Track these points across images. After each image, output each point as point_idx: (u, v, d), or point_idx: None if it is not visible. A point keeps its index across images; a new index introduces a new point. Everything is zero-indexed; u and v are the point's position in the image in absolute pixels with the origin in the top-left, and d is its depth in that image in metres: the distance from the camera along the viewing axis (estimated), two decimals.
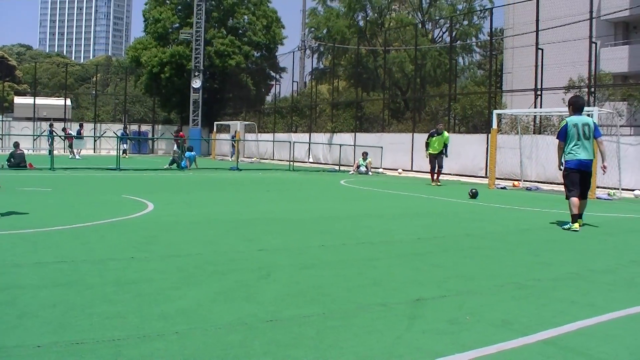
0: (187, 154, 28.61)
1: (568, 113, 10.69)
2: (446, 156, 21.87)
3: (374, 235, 9.06)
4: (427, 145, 21.79)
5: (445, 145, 21.49)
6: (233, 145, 40.43)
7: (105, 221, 9.61)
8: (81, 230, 8.69)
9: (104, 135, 44.20)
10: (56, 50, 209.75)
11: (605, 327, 4.68)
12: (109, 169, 25.15)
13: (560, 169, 10.58)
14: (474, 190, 13.31)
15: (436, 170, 21.62)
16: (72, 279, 5.68)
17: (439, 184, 21.34)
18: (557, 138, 10.38)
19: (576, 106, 10.50)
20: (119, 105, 62.55)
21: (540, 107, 25.27)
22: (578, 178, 10.25)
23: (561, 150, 10.34)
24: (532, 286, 5.94)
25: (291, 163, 31.16)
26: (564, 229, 10.11)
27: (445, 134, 21.65)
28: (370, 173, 27.94)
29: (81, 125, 38.47)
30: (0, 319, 4.41)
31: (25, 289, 5.24)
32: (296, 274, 6.16)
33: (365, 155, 28.72)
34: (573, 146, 10.24)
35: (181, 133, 36.40)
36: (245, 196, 15.18)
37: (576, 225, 10.04)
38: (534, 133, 25.70)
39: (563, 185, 10.54)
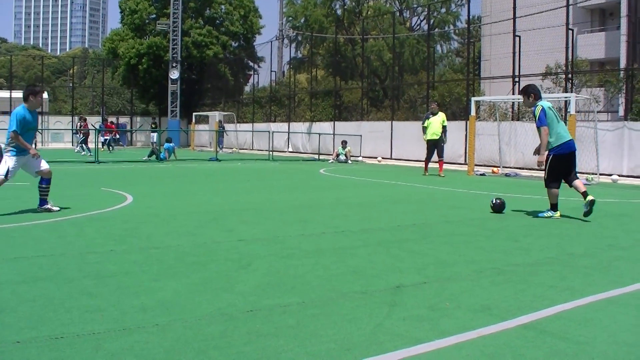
0: (166, 145, 28.50)
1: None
2: (445, 142, 20.34)
3: (353, 224, 9.06)
4: (425, 129, 20.18)
5: (444, 128, 20.01)
6: (222, 135, 40.49)
7: (84, 214, 9.55)
8: (60, 224, 8.63)
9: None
10: (32, 42, 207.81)
11: (583, 310, 4.72)
12: (87, 162, 24.98)
13: (537, 155, 10.43)
14: (498, 201, 10.84)
15: (438, 160, 20.12)
16: (51, 273, 5.64)
17: (442, 175, 19.82)
18: (539, 125, 10.06)
19: (539, 94, 10.49)
20: (96, 97, 62.09)
21: (519, 94, 25.37)
22: (565, 166, 10.15)
23: (547, 136, 10.10)
24: (511, 271, 5.97)
25: (270, 153, 31.11)
26: (543, 217, 10.10)
27: (441, 114, 20.20)
28: (349, 161, 27.98)
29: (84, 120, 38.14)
30: None
31: (3, 284, 5.20)
32: (276, 264, 6.16)
33: (344, 144, 28.72)
34: (559, 130, 10.07)
35: (107, 124, 36.82)
36: (224, 187, 15.14)
37: (558, 214, 10.07)
38: (512, 120, 25.85)
39: (544, 172, 10.36)
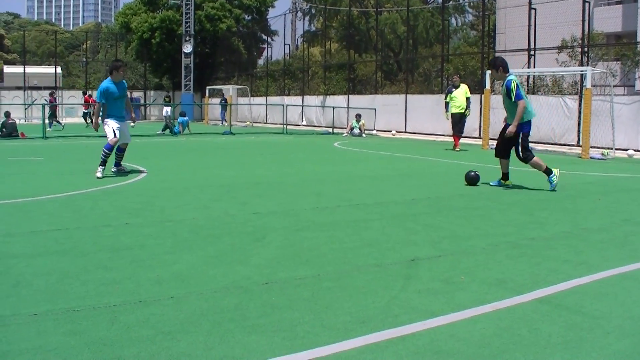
0: (180, 119, 28.49)
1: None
2: (468, 114, 19.41)
3: (367, 197, 9.06)
4: (447, 105, 19.29)
5: (468, 100, 19.05)
6: (223, 109, 40.31)
7: (99, 188, 9.59)
8: (74, 197, 8.67)
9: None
10: (44, 18, 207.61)
11: (598, 285, 4.70)
12: (101, 136, 25.00)
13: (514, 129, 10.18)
14: (472, 174, 10.80)
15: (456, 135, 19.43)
16: (66, 246, 5.68)
17: (457, 149, 19.24)
18: (517, 99, 9.96)
19: (507, 67, 10.46)
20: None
21: (534, 67, 25.16)
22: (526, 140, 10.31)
23: (523, 110, 10.04)
24: (526, 245, 5.96)
25: (284, 126, 31.03)
26: (552, 184, 10.04)
27: (464, 85, 19.28)
28: (363, 135, 27.88)
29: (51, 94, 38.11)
30: None
31: (19, 258, 5.24)
32: (290, 236, 6.17)
33: (358, 117, 28.59)
34: (529, 107, 10.20)
35: (86, 97, 36.81)
36: (238, 160, 15.14)
37: (556, 170, 10.10)
38: (527, 93, 25.65)
39: (520, 147, 10.20)
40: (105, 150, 11.19)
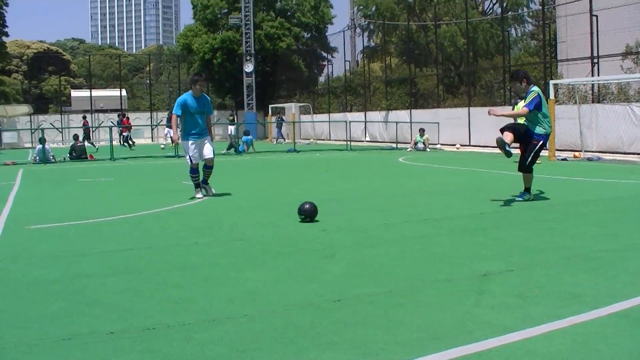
0: (244, 138, 28.77)
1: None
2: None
3: (435, 212, 9.00)
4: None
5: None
6: (279, 127, 40.68)
7: (167, 208, 9.75)
8: (144, 217, 8.85)
9: (160, 124, 44.59)
10: (108, 42, 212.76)
11: None
12: (167, 156, 25.46)
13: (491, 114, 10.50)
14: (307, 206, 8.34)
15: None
16: (138, 266, 5.79)
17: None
18: (530, 109, 9.89)
19: (530, 79, 10.33)
20: (173, 93, 63.21)
21: (598, 75, 24.67)
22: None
23: (521, 116, 10.17)
24: (599, 258, 5.83)
25: (348, 142, 31.06)
26: (523, 199, 9.86)
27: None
28: (428, 149, 27.71)
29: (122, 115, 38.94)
30: (71, 307, 4.52)
31: (93, 277, 5.37)
32: (360, 253, 6.17)
33: (422, 131, 28.45)
34: (549, 121, 10.11)
35: (124, 119, 37.31)
36: (304, 177, 15.22)
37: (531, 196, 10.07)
38: (592, 102, 25.17)
39: (531, 156, 10.00)
40: (191, 175, 11.13)
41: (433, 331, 3.85)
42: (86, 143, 32.16)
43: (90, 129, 35.57)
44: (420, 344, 3.65)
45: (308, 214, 8.17)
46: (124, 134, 36.41)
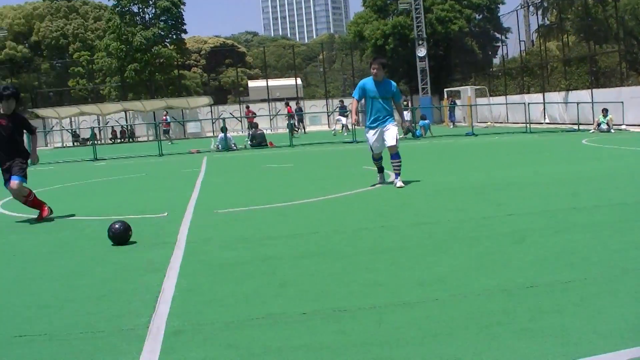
0: (421, 122, 28.70)
1: None
2: None
3: (628, 196, 8.40)
4: None
5: None
6: (452, 110, 40.27)
7: (350, 192, 9.85)
8: (328, 202, 8.98)
9: (336, 110, 45.33)
10: (280, 33, 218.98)
11: None
12: (344, 142, 25.78)
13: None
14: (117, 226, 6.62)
15: None
16: (326, 249, 5.87)
17: None
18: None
19: None
20: (347, 80, 63.99)
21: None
22: None
23: None
24: None
25: (527, 125, 30.10)
26: None
27: None
28: (612, 130, 26.30)
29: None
30: (263, 288, 4.66)
31: (283, 260, 5.49)
32: (550, 238, 5.90)
33: (605, 111, 27.00)
34: None
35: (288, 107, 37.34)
36: (484, 161, 14.90)
37: None
38: None
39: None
40: (374, 161, 10.89)
41: (634, 322, 3.57)
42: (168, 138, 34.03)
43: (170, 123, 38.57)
44: (620, 334, 3.39)
45: (117, 235, 6.53)
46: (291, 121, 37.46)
